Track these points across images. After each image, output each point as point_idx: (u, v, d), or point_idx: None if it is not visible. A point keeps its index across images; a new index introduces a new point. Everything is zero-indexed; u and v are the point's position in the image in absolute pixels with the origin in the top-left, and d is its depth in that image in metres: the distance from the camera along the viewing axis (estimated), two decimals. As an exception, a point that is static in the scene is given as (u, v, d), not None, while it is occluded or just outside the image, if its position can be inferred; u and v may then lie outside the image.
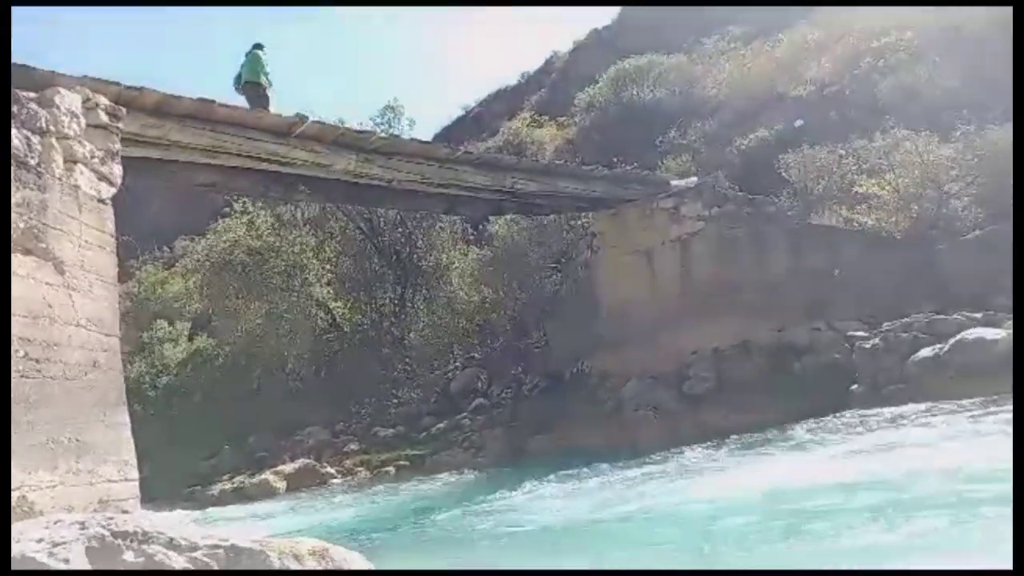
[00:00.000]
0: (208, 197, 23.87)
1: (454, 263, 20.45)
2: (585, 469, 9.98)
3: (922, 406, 9.19)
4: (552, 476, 9.87)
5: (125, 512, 5.13)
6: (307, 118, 10.42)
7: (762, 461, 8.50)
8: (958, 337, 9.95)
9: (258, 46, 11.50)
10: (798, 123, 19.47)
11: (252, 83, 11.22)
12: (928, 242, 12.84)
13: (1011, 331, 9.56)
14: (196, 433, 18.90)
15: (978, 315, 10.64)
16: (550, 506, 8.21)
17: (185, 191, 23.09)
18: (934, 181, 13.56)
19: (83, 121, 6.87)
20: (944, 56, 18.50)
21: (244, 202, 20.92)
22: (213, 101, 9.31)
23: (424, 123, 56.72)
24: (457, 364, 18.98)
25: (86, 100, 7.06)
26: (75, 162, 6.57)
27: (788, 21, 25.17)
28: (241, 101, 11.03)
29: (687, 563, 5.05)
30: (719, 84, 24.15)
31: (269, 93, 11.30)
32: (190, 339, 24.74)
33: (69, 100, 6.75)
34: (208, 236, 23.01)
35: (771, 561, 4.80)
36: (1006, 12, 18.85)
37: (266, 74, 11.22)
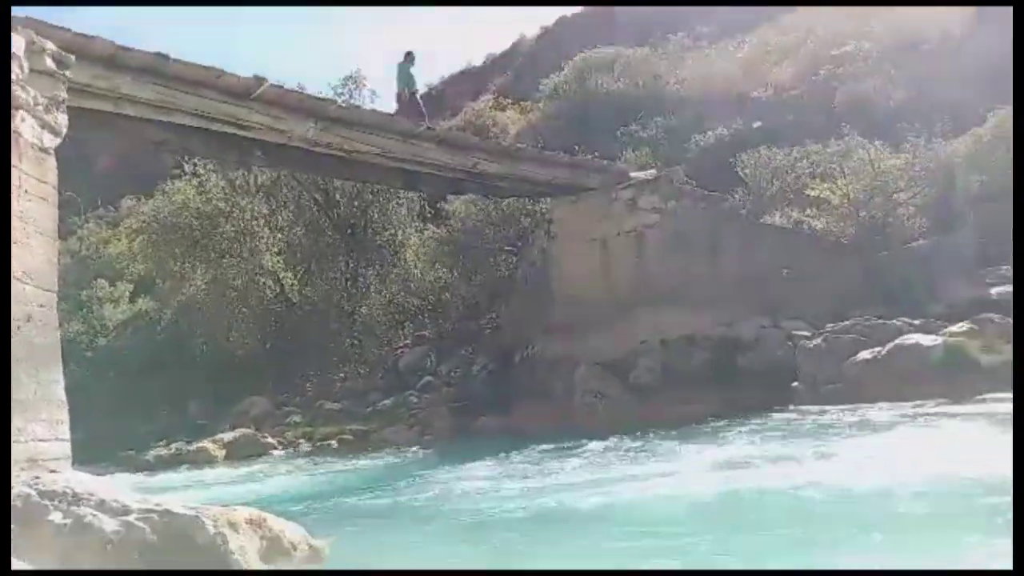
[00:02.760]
0: (158, 157, 23.14)
1: (410, 240, 20.26)
2: (527, 452, 10.04)
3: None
4: (494, 457, 9.91)
5: (54, 472, 4.97)
6: (265, 80, 10.14)
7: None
8: (896, 342, 10.27)
9: (410, 55, 12.76)
10: (756, 124, 19.79)
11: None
12: (874, 248, 13.20)
13: (946, 338, 9.92)
14: (134, 397, 18.40)
15: (917, 322, 10.99)
16: (488, 487, 8.25)
17: (134, 148, 22.39)
18: (883, 190, 13.94)
19: (26, 65, 6.55)
20: (898, 70, 19.01)
21: (195, 164, 20.31)
22: (167, 56, 9.00)
23: (388, 96, 55.80)
24: (407, 342, 18.88)
25: (31, 43, 6.73)
26: (16, 108, 6.27)
27: (752, 24, 25.52)
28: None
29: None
30: (682, 81, 24.34)
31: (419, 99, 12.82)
32: (131, 301, 24.02)
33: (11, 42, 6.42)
34: (156, 197, 22.33)
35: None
36: (959, 32, 19.51)
37: (408, 85, 12.66)
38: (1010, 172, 13.57)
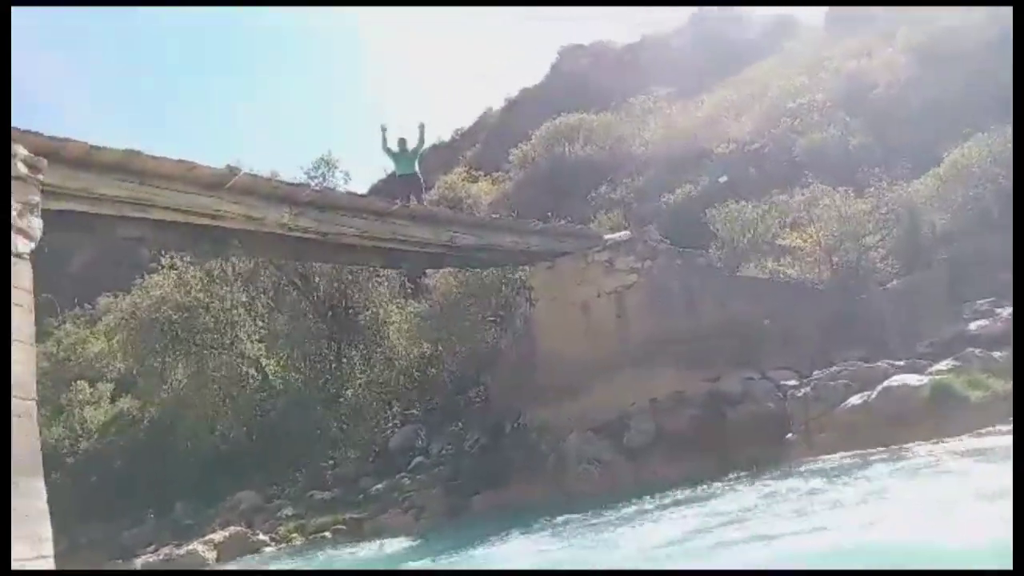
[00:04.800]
0: (133, 252, 23.11)
1: (391, 317, 20.20)
2: (528, 529, 9.79)
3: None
4: (494, 538, 9.65)
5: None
6: (239, 171, 10.28)
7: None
8: (884, 384, 10.23)
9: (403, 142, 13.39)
10: (722, 179, 20.27)
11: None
12: (850, 291, 13.38)
13: (932, 377, 9.95)
14: (118, 501, 17.85)
15: (901, 362, 10.98)
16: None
17: (109, 245, 22.34)
18: (852, 234, 14.22)
19: (-1, 174, 6.58)
20: (852, 117, 19.70)
21: (172, 257, 20.31)
22: (140, 152, 9.05)
23: (359, 177, 56.58)
24: (396, 421, 18.58)
25: (2, 151, 6.77)
26: (-10, 217, 6.27)
27: (708, 84, 26.47)
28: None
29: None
30: (646, 142, 25.00)
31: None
32: (112, 401, 23.54)
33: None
34: (133, 292, 22.18)
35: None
36: (904, 77, 20.29)
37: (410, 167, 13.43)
38: (970, 209, 14.01)
